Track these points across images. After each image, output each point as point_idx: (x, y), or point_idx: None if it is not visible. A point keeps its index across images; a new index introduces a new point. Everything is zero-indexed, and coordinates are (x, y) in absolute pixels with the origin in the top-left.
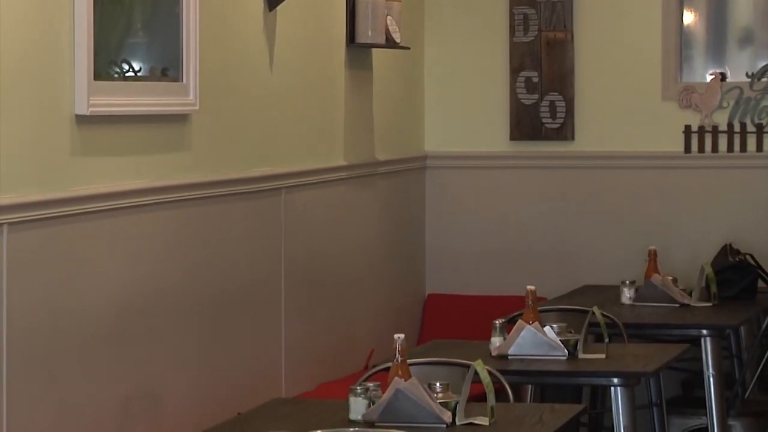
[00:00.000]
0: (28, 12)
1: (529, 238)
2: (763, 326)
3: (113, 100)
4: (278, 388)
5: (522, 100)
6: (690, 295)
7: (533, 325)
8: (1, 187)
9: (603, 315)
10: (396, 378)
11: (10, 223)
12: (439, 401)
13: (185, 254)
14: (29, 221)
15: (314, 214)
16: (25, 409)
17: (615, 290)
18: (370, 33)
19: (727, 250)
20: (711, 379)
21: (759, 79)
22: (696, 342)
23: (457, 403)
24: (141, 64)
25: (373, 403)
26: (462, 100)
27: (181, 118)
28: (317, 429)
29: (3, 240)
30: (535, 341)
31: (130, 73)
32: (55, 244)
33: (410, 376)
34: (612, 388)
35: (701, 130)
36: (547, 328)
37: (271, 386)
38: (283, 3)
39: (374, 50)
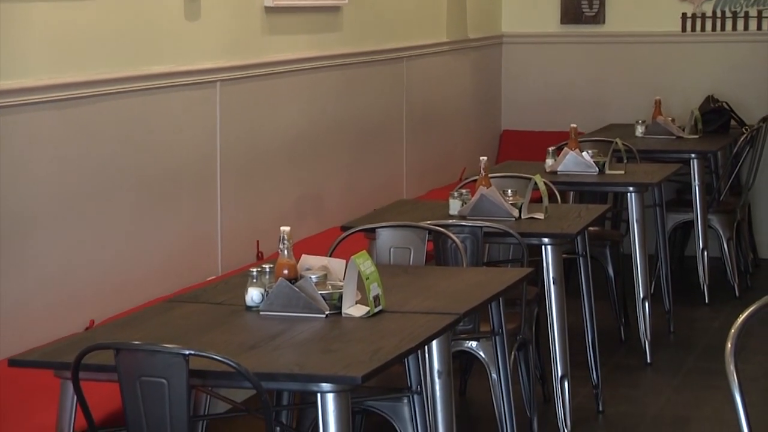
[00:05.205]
0: None
1: (573, 91)
2: (734, 151)
3: None
4: (401, 191)
5: None
6: (683, 130)
7: (574, 151)
8: (216, 55)
9: (623, 144)
10: (481, 186)
11: (221, 80)
12: (510, 203)
13: (338, 102)
14: (234, 79)
15: (426, 75)
16: (231, 205)
17: (631, 127)
18: None
19: (709, 99)
20: (697, 188)
21: None
22: (687, 162)
23: (522, 203)
24: None
25: (465, 204)
26: None
27: (335, 9)
28: (428, 220)
29: (217, 91)
30: (576, 162)
31: None
32: (250, 95)
33: (490, 185)
34: (628, 193)
35: (693, 16)
36: (584, 153)
37: (397, 190)
38: None
39: None
